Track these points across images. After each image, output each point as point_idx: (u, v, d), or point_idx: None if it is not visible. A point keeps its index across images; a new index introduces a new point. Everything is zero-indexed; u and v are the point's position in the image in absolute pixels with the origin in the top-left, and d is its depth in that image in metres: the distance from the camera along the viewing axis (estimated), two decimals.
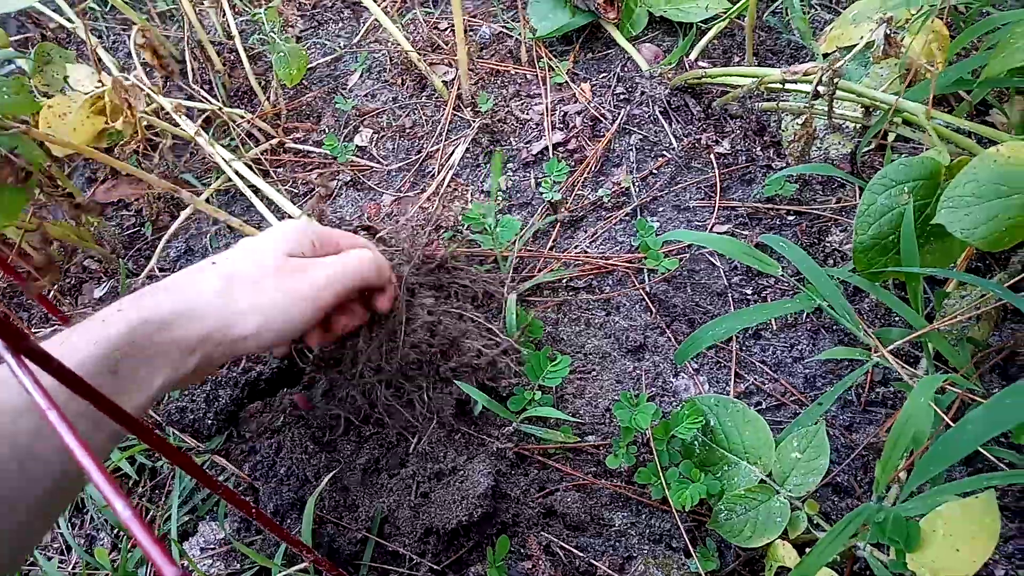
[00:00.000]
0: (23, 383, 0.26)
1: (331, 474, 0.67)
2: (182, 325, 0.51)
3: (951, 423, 0.59)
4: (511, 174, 0.93)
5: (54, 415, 0.25)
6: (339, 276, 0.59)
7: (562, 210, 0.88)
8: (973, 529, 0.52)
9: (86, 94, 0.87)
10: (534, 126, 0.97)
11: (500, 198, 0.90)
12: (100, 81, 0.91)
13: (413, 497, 0.66)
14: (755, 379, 0.73)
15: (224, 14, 1.06)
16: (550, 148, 0.94)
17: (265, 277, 0.56)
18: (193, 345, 0.52)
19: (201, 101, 1.02)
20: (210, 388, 0.76)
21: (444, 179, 0.93)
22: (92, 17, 1.22)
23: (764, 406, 0.71)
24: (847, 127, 0.89)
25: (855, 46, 0.81)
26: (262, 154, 0.99)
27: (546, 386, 0.72)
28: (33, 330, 0.89)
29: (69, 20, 1.07)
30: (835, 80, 0.74)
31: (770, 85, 0.83)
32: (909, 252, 0.63)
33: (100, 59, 1.05)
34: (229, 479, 0.72)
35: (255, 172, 0.90)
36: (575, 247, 0.85)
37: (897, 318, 0.74)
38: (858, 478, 0.66)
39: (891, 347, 0.64)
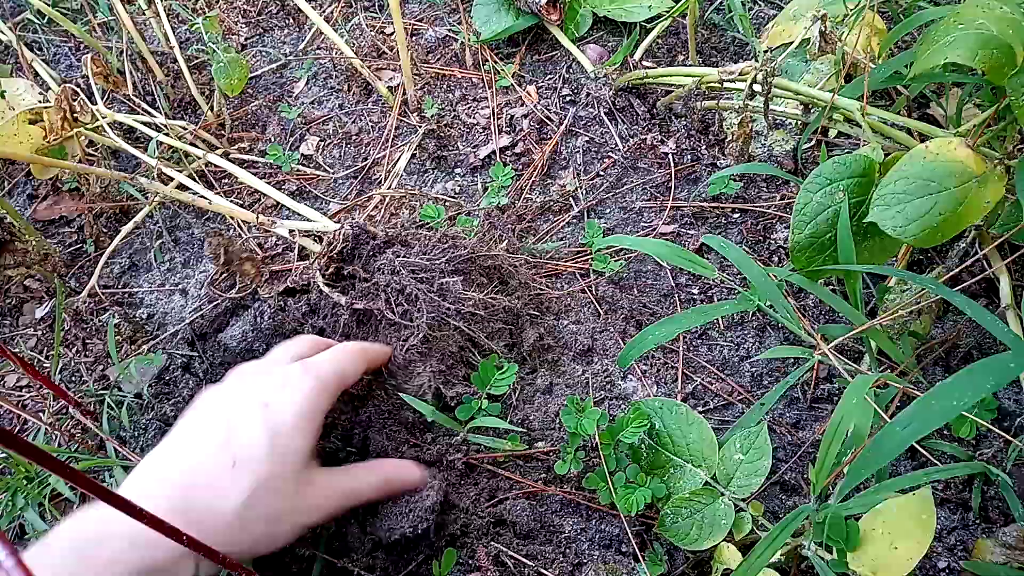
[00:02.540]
0: None
1: None
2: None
3: (889, 420, 0.60)
4: (459, 179, 0.93)
5: None
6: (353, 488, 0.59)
7: (510, 214, 0.87)
8: (910, 526, 0.52)
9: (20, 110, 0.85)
10: (481, 130, 0.96)
11: (448, 202, 0.90)
12: (41, 95, 0.89)
13: (361, 511, 0.65)
14: (702, 379, 0.73)
15: (163, 24, 1.04)
16: (497, 152, 0.93)
17: (286, 498, 0.53)
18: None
19: (143, 114, 1.00)
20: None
21: (391, 186, 0.92)
22: (31, 30, 1.19)
23: (712, 406, 0.72)
24: (789, 124, 0.90)
25: (795, 41, 0.82)
26: (206, 166, 0.97)
27: (494, 394, 0.72)
28: None
29: (2, 33, 1.05)
30: (769, 79, 0.75)
31: (711, 84, 0.83)
32: (846, 250, 0.64)
33: (36, 73, 1.03)
34: None
35: (200, 184, 0.88)
36: (522, 252, 0.85)
37: (841, 315, 0.75)
38: (805, 476, 0.67)
39: (833, 344, 0.64)
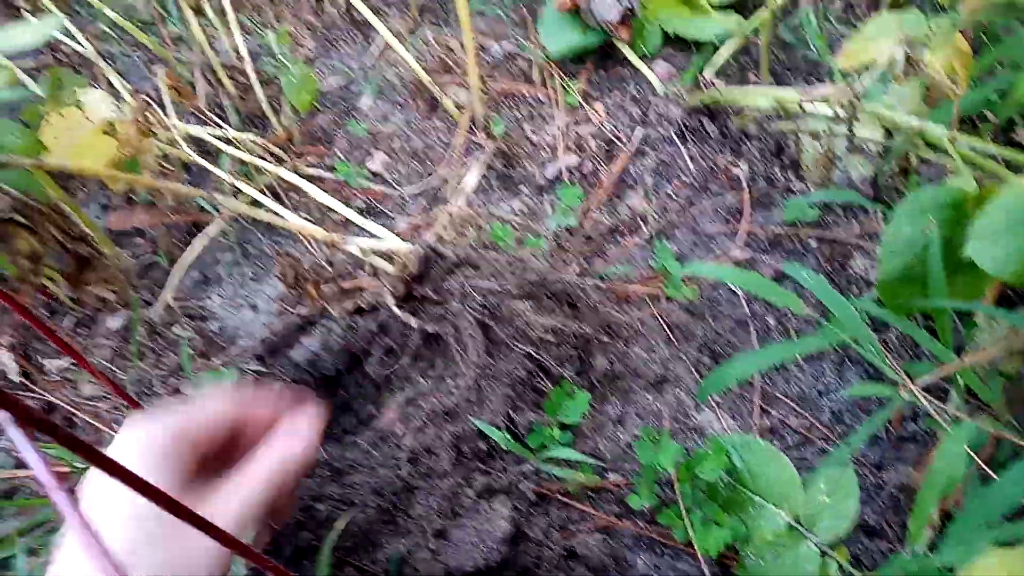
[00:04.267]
0: None
1: (350, 515, 0.66)
2: None
3: (984, 466, 0.58)
4: (526, 198, 0.92)
5: None
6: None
7: (578, 235, 0.86)
8: None
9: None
10: (548, 148, 0.96)
11: (516, 223, 0.89)
12: (116, 106, 0.90)
13: (431, 537, 0.65)
14: (779, 414, 0.71)
15: (233, 36, 1.05)
16: (564, 171, 0.92)
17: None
18: None
19: (213, 127, 1.01)
20: None
21: (458, 204, 0.92)
22: (105, 40, 1.22)
23: (790, 442, 0.70)
24: (868, 148, 0.87)
25: (872, 63, 0.79)
26: (276, 181, 0.98)
27: (565, 422, 0.71)
28: (44, 361, 0.88)
29: (81, 45, 1.07)
30: (855, 103, 0.73)
31: (788, 106, 0.81)
32: (937, 284, 0.62)
33: (111, 83, 1.05)
34: None
35: (270, 199, 0.89)
36: (591, 275, 0.83)
37: (925, 348, 0.72)
38: (888, 519, 0.65)
39: (920, 383, 0.62)
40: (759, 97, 0.86)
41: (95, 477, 0.44)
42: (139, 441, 0.45)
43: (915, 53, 0.77)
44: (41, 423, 0.25)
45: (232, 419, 0.50)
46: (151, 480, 0.32)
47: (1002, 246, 0.58)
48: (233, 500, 0.45)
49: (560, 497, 0.68)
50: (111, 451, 0.45)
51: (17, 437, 0.25)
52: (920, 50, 0.81)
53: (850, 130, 0.77)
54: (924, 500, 0.51)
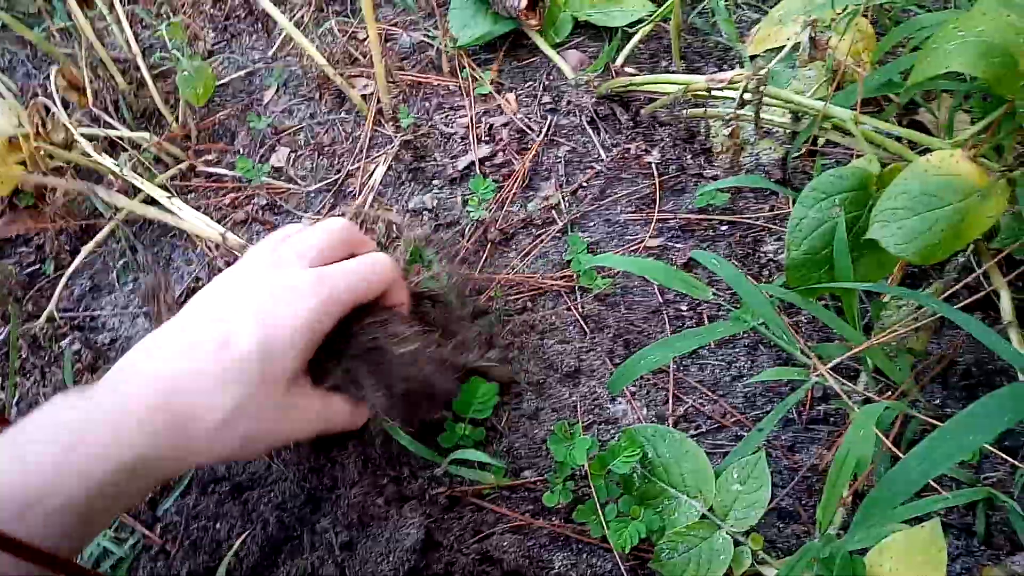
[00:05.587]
0: None
1: (244, 534, 0.63)
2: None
3: (893, 447, 0.58)
4: (437, 191, 0.89)
5: None
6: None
7: (492, 229, 0.84)
8: (919, 561, 0.50)
9: None
10: (459, 140, 0.93)
11: (427, 217, 0.86)
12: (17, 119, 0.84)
13: (337, 551, 0.61)
14: (694, 401, 0.70)
15: (125, 30, 0.99)
16: (476, 163, 0.90)
17: (265, 421, 0.52)
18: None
19: (104, 126, 0.95)
20: None
21: (366, 200, 0.88)
22: None
23: (704, 429, 0.69)
24: (777, 132, 0.87)
25: (782, 48, 0.79)
26: (170, 179, 0.92)
27: (477, 419, 0.68)
28: None
29: None
30: (761, 88, 0.72)
31: (698, 92, 0.80)
32: (843, 267, 0.61)
33: None
34: (138, 542, 0.66)
35: (165, 198, 0.84)
36: (505, 267, 0.81)
37: (834, 331, 0.72)
38: (803, 502, 0.64)
39: (830, 364, 0.62)
40: (669, 84, 0.85)
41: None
42: (323, 312, 0.55)
43: (820, 36, 0.77)
44: None
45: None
46: (297, 353, 0.53)
47: (903, 225, 0.58)
48: (314, 419, 0.56)
49: (473, 499, 0.66)
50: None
51: None
52: (826, 33, 0.81)
53: (757, 115, 0.76)
54: (834, 483, 0.50)
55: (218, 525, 0.64)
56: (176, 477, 0.67)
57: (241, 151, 0.95)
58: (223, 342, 0.51)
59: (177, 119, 0.98)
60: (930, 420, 0.62)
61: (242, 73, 1.04)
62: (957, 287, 0.67)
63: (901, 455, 0.47)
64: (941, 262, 0.74)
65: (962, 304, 0.67)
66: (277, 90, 1.02)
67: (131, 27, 1.01)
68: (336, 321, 0.55)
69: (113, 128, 0.94)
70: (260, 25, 1.11)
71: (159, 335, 0.54)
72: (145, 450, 0.46)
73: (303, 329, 0.52)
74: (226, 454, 0.52)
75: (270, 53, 1.06)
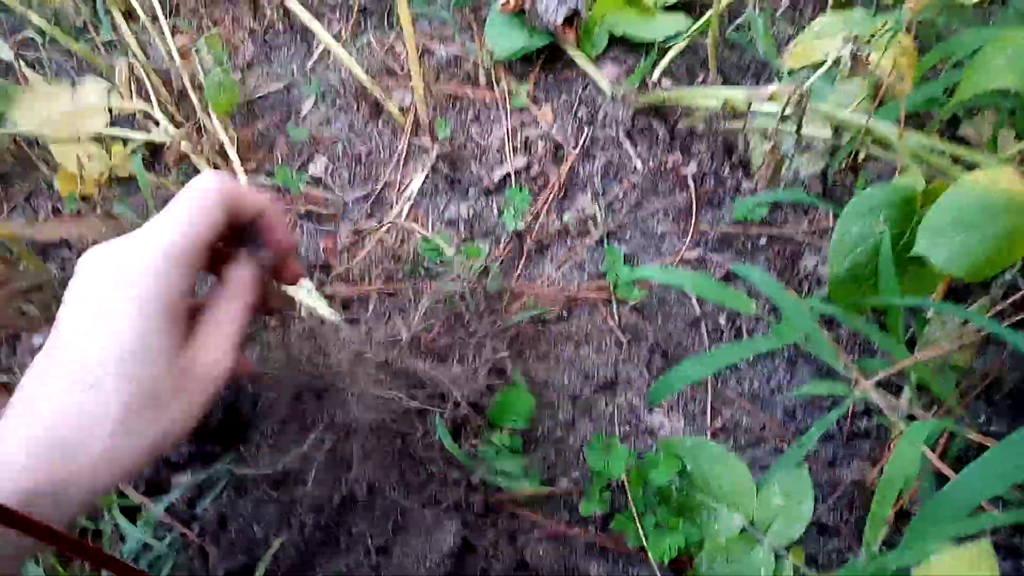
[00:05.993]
0: None
1: (285, 535, 0.63)
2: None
3: (938, 462, 0.57)
4: (473, 202, 0.90)
5: None
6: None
7: (527, 239, 0.84)
8: None
9: None
10: (495, 152, 0.93)
11: (462, 228, 0.87)
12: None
13: (374, 555, 0.61)
14: (732, 414, 0.70)
15: (167, 42, 1.01)
16: (512, 174, 0.90)
17: (161, 408, 0.43)
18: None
19: (144, 132, 0.97)
20: None
21: (402, 210, 0.89)
22: (33, 48, 1.17)
23: (743, 442, 0.68)
24: (816, 145, 0.87)
25: (821, 63, 0.79)
26: None
27: (515, 428, 0.68)
28: None
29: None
30: (803, 102, 0.72)
31: (736, 106, 0.80)
32: (888, 282, 0.61)
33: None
34: (175, 541, 0.66)
35: None
36: (541, 278, 0.81)
37: (875, 344, 0.71)
38: (843, 517, 0.63)
39: (873, 380, 0.61)
40: (707, 97, 0.85)
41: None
42: (118, 270, 0.42)
43: (861, 52, 0.77)
44: None
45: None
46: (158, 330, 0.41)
47: (951, 242, 0.57)
48: (220, 367, 0.45)
49: (509, 507, 0.65)
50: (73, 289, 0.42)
51: None
52: (866, 49, 0.80)
53: (798, 129, 0.76)
54: (880, 501, 0.49)
55: (255, 526, 0.64)
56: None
57: (280, 160, 0.97)
58: (78, 363, 0.42)
59: (216, 129, 0.99)
60: (976, 438, 0.61)
61: (280, 85, 1.06)
62: (1004, 304, 0.66)
63: (947, 472, 0.46)
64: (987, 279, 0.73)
65: (1010, 322, 0.66)
66: (315, 102, 1.03)
67: (172, 38, 1.03)
68: (192, 268, 0.45)
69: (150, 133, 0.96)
70: (298, 38, 1.13)
71: (22, 393, 0.45)
72: (42, 482, 0.40)
73: (149, 305, 0.43)
74: (143, 456, 0.44)
75: (308, 65, 1.08)
